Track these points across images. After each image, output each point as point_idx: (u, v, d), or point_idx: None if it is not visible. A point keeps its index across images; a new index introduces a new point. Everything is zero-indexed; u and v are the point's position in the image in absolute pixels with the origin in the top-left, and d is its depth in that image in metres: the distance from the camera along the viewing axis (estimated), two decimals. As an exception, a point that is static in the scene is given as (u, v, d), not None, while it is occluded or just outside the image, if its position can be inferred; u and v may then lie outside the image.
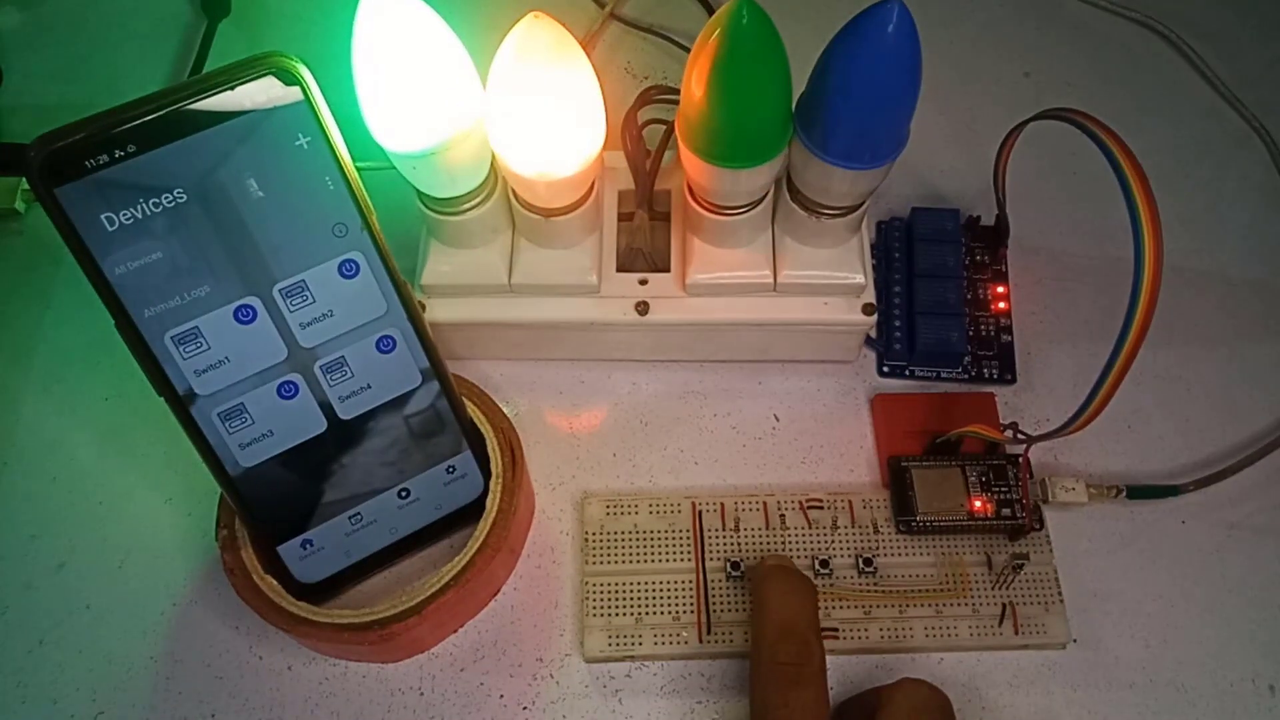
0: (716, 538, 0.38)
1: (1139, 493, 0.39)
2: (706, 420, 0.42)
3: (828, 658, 0.36)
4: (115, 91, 0.40)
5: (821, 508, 0.38)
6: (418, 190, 0.37)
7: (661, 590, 0.37)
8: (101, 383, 0.42)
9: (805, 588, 0.34)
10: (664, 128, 0.41)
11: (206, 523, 0.37)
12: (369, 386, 0.33)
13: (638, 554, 0.38)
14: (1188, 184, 0.47)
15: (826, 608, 0.36)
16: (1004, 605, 0.37)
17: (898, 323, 0.42)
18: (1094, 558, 0.38)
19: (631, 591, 0.37)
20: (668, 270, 0.40)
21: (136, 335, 0.29)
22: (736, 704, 0.36)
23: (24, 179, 0.46)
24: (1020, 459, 0.38)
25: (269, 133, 0.28)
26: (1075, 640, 0.37)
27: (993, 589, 0.37)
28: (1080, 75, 0.51)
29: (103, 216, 0.27)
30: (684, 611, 0.36)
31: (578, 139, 0.34)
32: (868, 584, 0.37)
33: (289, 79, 0.27)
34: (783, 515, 0.38)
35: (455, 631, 0.37)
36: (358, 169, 0.29)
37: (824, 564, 0.37)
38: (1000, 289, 0.43)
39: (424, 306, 0.39)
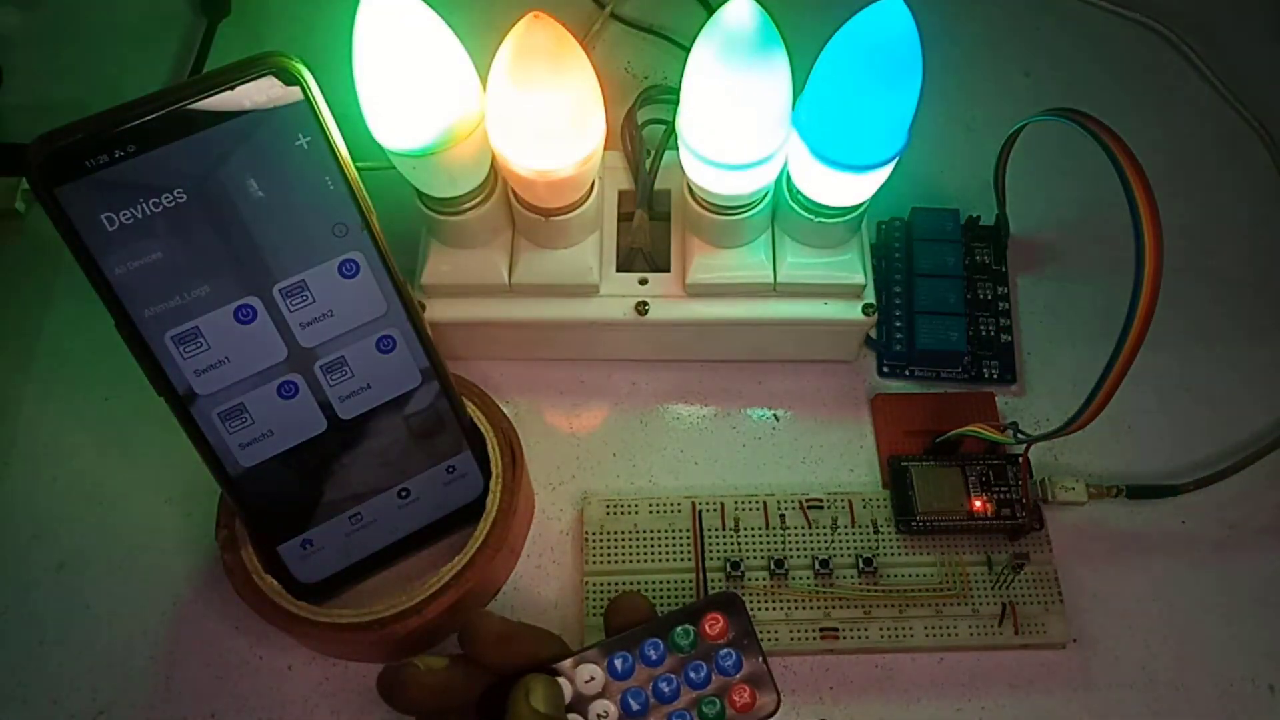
0: (716, 538, 0.38)
1: (1139, 492, 0.39)
2: (706, 420, 0.41)
3: (829, 657, 0.36)
4: (115, 91, 0.40)
5: (821, 508, 0.38)
6: (418, 190, 0.37)
7: (661, 590, 0.37)
8: (101, 383, 0.42)
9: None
10: (664, 128, 0.41)
11: (206, 523, 0.37)
12: (369, 386, 0.33)
13: (638, 554, 0.38)
14: (1188, 184, 0.47)
15: (826, 608, 0.36)
16: (1004, 605, 0.37)
17: (898, 323, 0.42)
18: (1094, 558, 0.38)
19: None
20: (668, 270, 0.40)
21: (136, 335, 0.29)
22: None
23: (24, 179, 0.46)
24: (1020, 459, 0.38)
25: (269, 133, 0.28)
26: (1075, 640, 0.37)
27: (993, 589, 0.37)
28: (1080, 75, 0.51)
29: (103, 216, 0.27)
30: (684, 611, 0.36)
31: (577, 139, 0.34)
32: (868, 584, 0.37)
33: (289, 79, 0.27)
34: (783, 515, 0.38)
35: (455, 631, 0.37)
36: (358, 169, 0.29)
37: (824, 564, 0.37)
38: (1000, 289, 0.43)
39: (424, 306, 0.39)
